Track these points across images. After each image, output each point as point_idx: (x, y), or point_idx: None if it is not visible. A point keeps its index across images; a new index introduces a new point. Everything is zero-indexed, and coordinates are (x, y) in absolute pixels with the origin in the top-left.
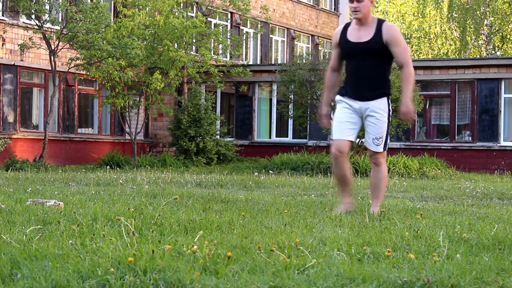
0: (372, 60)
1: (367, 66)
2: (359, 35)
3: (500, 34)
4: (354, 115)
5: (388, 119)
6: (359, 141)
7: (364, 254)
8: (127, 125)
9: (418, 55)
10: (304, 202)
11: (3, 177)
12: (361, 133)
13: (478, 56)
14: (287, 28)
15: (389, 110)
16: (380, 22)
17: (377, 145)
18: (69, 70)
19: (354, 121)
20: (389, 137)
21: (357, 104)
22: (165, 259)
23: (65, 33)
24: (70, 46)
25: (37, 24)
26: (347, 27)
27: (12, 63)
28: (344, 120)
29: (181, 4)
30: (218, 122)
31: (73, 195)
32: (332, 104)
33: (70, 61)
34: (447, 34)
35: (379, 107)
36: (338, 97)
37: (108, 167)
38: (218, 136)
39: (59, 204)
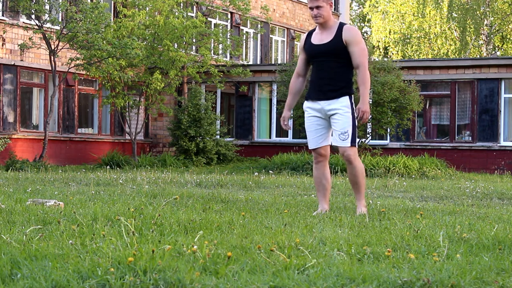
0: (333, 61)
1: (328, 67)
2: (321, 37)
3: (500, 34)
4: (320, 120)
5: (353, 115)
6: (359, 141)
7: (364, 254)
8: (127, 125)
9: (418, 55)
10: (304, 202)
11: (3, 177)
12: (360, 133)
13: (478, 56)
14: (287, 28)
15: (352, 108)
16: (341, 25)
17: (343, 140)
18: (69, 70)
19: (322, 126)
20: (356, 133)
21: (319, 105)
22: (165, 259)
23: (65, 33)
24: (70, 46)
25: (37, 24)
26: (312, 32)
27: (12, 63)
28: (313, 129)
29: (181, 4)
30: (218, 122)
31: (73, 195)
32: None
33: (70, 61)
34: (447, 34)
35: (341, 104)
36: (304, 104)
37: (108, 167)
38: (218, 136)
39: (59, 204)
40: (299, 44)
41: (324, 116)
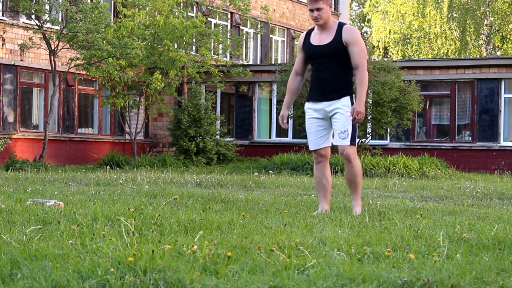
0: (333, 62)
1: (328, 68)
2: (321, 38)
3: (500, 34)
4: (321, 122)
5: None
6: (359, 141)
7: (364, 254)
8: (127, 125)
9: (418, 55)
10: (304, 202)
11: (3, 177)
12: (361, 133)
13: (478, 56)
14: (287, 28)
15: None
16: (340, 25)
17: (343, 139)
18: (69, 70)
19: (323, 128)
20: (356, 133)
21: (321, 105)
22: (165, 259)
23: (65, 33)
24: (70, 46)
25: (37, 24)
26: (310, 32)
27: (12, 63)
28: (313, 130)
29: (181, 4)
30: (218, 122)
31: (73, 195)
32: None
33: (70, 61)
34: (447, 34)
35: (342, 104)
36: (305, 105)
37: (108, 167)
38: (218, 136)
39: (59, 204)
40: (297, 43)
41: (325, 117)
